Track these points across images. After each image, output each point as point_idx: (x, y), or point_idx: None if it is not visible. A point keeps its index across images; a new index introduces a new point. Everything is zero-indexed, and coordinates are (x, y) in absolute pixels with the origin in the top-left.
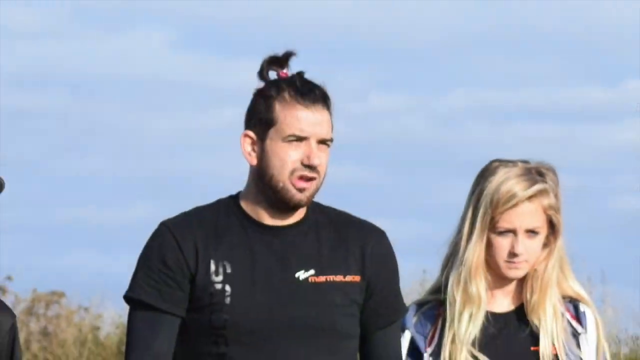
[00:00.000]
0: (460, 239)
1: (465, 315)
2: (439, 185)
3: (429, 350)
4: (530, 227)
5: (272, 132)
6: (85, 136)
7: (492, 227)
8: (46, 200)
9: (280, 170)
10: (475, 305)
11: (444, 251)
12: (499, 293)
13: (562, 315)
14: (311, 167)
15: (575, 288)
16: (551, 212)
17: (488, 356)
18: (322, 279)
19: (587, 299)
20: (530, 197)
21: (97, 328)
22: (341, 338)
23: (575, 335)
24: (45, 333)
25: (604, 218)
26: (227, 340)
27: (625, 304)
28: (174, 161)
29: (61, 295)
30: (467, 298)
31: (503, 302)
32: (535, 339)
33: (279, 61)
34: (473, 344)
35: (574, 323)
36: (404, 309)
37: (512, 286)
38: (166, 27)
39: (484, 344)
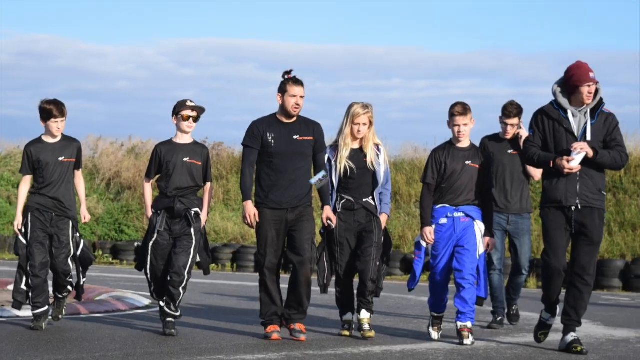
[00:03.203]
0: (343, 125)
1: (344, 149)
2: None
3: (333, 159)
4: (364, 122)
5: (285, 94)
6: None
7: (352, 122)
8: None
9: (288, 106)
10: (348, 146)
11: (338, 130)
12: (354, 142)
13: (373, 149)
14: (298, 104)
15: (377, 140)
16: (371, 118)
17: (351, 161)
18: (301, 138)
19: (381, 144)
20: (364, 113)
21: (233, 152)
22: (306, 156)
23: (378, 155)
24: (218, 154)
25: (387, 120)
26: (273, 156)
27: (393, 146)
28: (262, 102)
29: (222, 143)
30: (345, 144)
31: (355, 145)
32: (366, 156)
33: (288, 72)
34: (346, 158)
35: (377, 152)
36: (325, 147)
37: (358, 140)
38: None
39: (349, 158)
